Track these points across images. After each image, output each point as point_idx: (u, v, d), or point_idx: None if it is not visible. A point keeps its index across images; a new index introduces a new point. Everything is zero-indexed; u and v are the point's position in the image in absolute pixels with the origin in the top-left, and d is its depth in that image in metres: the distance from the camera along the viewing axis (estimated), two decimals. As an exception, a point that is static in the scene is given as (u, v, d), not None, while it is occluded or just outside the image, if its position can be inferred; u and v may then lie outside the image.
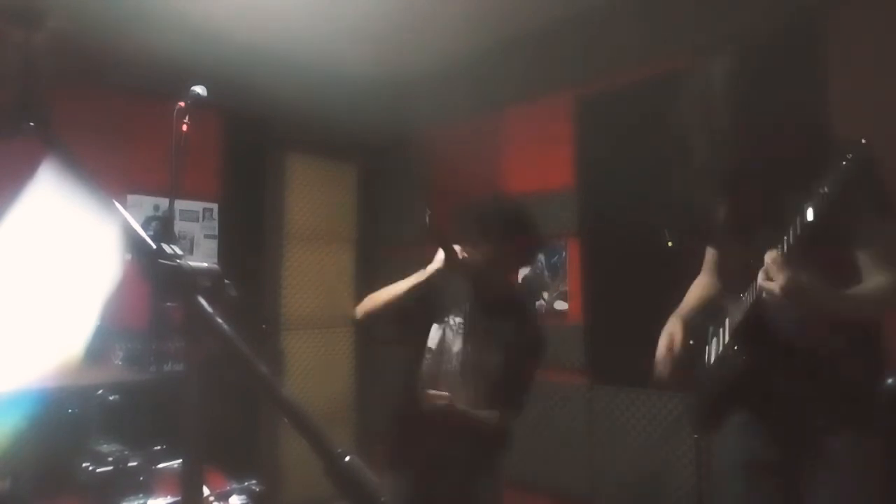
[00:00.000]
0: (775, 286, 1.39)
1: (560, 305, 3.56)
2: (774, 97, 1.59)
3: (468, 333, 2.28)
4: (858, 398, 1.55)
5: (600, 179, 3.40)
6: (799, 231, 1.36)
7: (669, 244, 2.68)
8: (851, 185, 1.28)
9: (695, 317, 1.96)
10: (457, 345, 2.28)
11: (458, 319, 2.31)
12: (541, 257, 3.68)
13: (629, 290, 3.18)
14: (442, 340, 2.30)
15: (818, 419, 1.55)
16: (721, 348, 1.76)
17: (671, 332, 1.89)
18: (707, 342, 1.89)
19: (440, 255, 2.19)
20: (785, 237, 1.40)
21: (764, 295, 1.44)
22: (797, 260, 1.38)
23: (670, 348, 1.85)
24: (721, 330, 1.77)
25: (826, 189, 1.30)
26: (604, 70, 3.41)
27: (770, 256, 1.41)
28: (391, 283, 2.37)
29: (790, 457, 1.60)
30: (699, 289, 2.04)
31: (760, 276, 1.43)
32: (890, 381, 1.71)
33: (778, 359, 1.59)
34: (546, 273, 3.65)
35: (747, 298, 1.58)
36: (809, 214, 1.32)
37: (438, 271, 2.18)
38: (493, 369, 2.23)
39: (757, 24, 2.77)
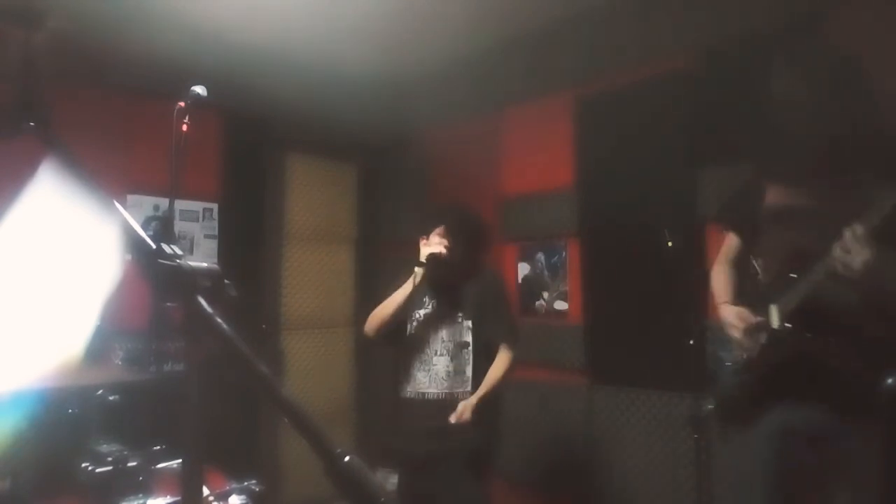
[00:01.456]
0: (857, 261, 1.40)
1: (560, 305, 3.56)
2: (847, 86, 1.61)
3: (440, 317, 2.57)
4: None
5: (600, 179, 3.40)
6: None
7: (669, 244, 2.68)
8: None
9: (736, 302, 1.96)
10: (426, 334, 2.57)
11: (422, 312, 2.60)
12: (541, 257, 3.68)
13: (629, 290, 3.18)
14: (411, 335, 2.59)
15: (868, 396, 1.55)
16: (766, 334, 1.75)
17: (737, 313, 1.87)
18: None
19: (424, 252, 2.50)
20: (873, 212, 1.41)
21: (840, 270, 1.45)
22: (880, 237, 1.40)
23: (748, 324, 1.83)
24: (759, 317, 1.77)
25: None
26: (604, 70, 3.41)
27: (853, 231, 1.42)
28: (391, 284, 2.64)
29: (837, 433, 1.61)
30: (725, 278, 2.04)
31: (838, 251, 1.44)
32: (890, 380, 1.71)
33: (834, 338, 1.59)
34: (546, 273, 3.65)
35: (808, 278, 1.58)
36: None
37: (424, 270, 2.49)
38: (476, 331, 2.55)
39: (757, 24, 2.77)
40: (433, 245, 2.50)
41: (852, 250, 1.41)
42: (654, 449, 3.05)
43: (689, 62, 3.02)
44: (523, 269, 3.77)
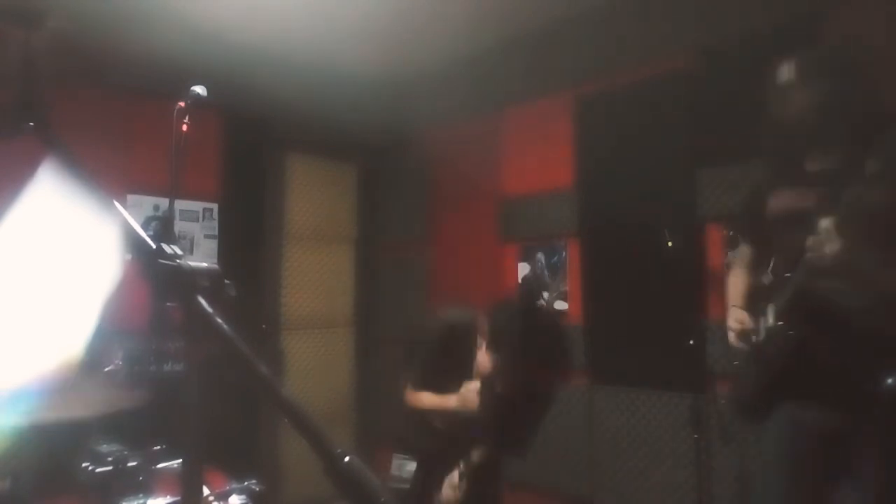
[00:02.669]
0: (828, 251, 1.44)
1: (560, 305, 3.56)
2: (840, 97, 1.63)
3: None
4: None
5: (600, 179, 3.40)
6: (864, 186, 1.38)
7: (669, 244, 2.68)
8: None
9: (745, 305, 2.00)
10: None
11: None
12: (541, 257, 3.68)
13: (629, 291, 3.18)
14: None
15: (867, 385, 1.57)
16: (764, 332, 1.78)
17: (736, 317, 1.92)
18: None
19: (470, 391, 2.12)
20: (842, 205, 1.44)
21: (815, 261, 1.49)
22: (851, 228, 1.43)
23: (741, 328, 1.88)
24: (762, 317, 1.80)
25: (888, 141, 1.34)
26: (604, 70, 3.41)
27: (825, 224, 1.46)
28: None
29: (842, 424, 1.62)
30: (737, 282, 2.07)
31: (810, 242, 1.48)
32: (890, 380, 1.72)
33: (825, 330, 1.62)
34: (546, 273, 3.65)
35: (796, 276, 1.61)
36: (876, 164, 1.35)
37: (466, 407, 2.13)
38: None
39: (757, 24, 2.78)
40: (467, 394, 2.13)
41: (823, 242, 1.44)
42: (654, 449, 3.05)
43: (689, 62, 3.02)
44: (523, 269, 3.77)
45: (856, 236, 1.43)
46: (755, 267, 2.05)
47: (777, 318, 1.71)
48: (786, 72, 1.72)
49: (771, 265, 1.87)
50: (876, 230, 1.53)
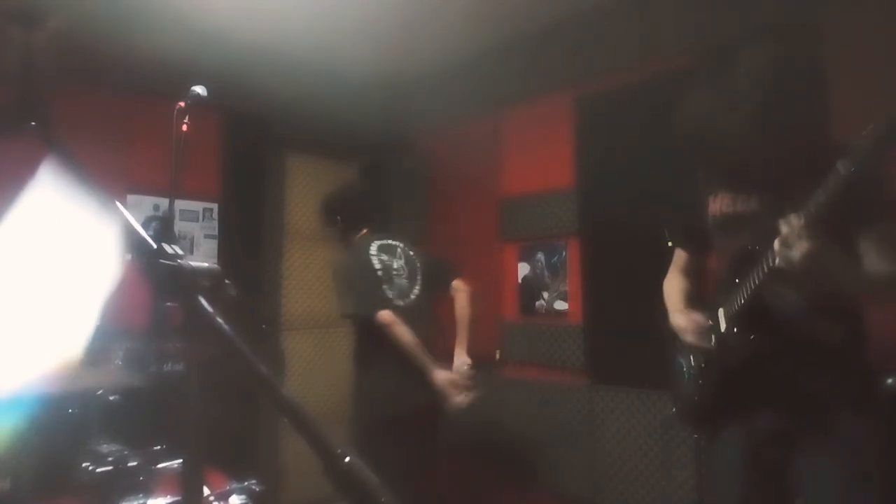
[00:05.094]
0: (796, 254, 1.38)
1: (560, 305, 3.56)
2: (789, 92, 1.60)
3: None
4: (857, 377, 1.58)
5: (600, 179, 3.40)
6: (832, 188, 1.33)
7: (669, 244, 2.68)
8: (886, 143, 1.27)
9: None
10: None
11: None
12: (541, 257, 3.68)
13: (629, 291, 3.18)
14: None
15: (819, 398, 1.56)
16: (715, 338, 1.76)
17: (690, 318, 1.86)
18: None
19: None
20: (809, 204, 1.38)
21: (779, 264, 1.43)
22: (818, 229, 1.37)
23: (699, 327, 1.82)
24: (710, 321, 1.78)
25: (862, 143, 1.29)
26: (604, 70, 3.41)
27: (789, 225, 1.39)
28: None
29: (792, 434, 1.61)
30: (677, 288, 2.05)
31: (777, 245, 1.41)
32: (890, 380, 1.72)
33: (778, 339, 1.60)
34: (546, 273, 3.65)
35: (749, 281, 1.59)
36: (845, 168, 1.30)
37: None
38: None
39: (757, 25, 2.77)
40: None
41: (791, 243, 1.38)
42: (654, 449, 3.05)
43: (690, 62, 3.02)
44: (523, 269, 3.77)
45: (824, 238, 1.38)
46: (691, 272, 2.03)
47: (730, 324, 1.68)
48: (731, 80, 1.68)
49: (717, 269, 1.85)
50: (842, 234, 1.50)
